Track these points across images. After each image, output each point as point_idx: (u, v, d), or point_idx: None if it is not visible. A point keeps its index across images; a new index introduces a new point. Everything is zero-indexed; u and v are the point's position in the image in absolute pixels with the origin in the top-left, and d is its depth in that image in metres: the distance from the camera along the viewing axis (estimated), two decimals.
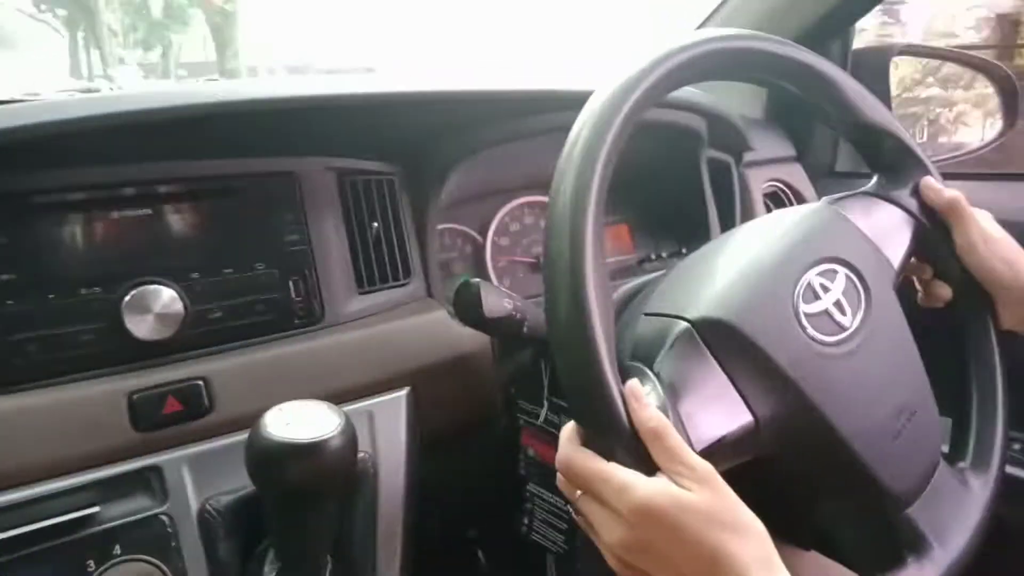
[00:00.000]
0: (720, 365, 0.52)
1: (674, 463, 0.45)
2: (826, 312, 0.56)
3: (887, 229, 0.63)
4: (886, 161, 0.66)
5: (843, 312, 0.57)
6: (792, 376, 0.52)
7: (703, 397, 0.51)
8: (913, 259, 0.65)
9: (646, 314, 0.58)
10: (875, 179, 0.67)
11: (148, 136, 0.64)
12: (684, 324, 0.54)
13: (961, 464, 0.61)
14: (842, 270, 0.58)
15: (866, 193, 0.65)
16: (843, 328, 0.56)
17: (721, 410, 0.51)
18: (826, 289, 0.57)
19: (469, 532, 1.00)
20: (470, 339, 0.77)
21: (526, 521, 0.80)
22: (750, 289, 0.55)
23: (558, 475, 0.50)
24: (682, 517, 0.43)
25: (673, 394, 0.50)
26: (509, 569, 0.97)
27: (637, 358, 0.53)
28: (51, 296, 0.61)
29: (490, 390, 0.79)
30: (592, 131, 0.49)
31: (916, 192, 0.65)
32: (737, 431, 0.50)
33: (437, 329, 0.77)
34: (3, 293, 0.60)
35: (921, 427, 0.56)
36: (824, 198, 0.66)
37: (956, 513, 0.57)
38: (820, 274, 0.57)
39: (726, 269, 0.58)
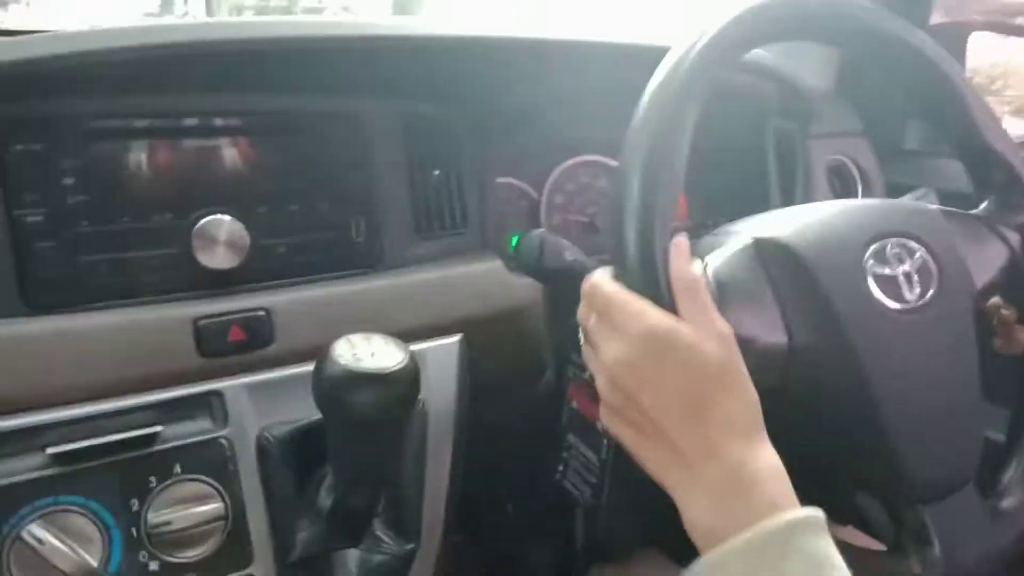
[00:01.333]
0: (771, 282, 0.52)
1: (698, 316, 0.45)
2: (894, 279, 0.55)
3: (980, 253, 0.60)
4: (996, 188, 0.63)
5: (911, 286, 0.55)
6: (840, 314, 0.51)
7: (745, 298, 0.51)
8: (997, 297, 0.62)
9: (711, 233, 0.59)
10: (983, 205, 0.63)
11: (215, 67, 0.65)
12: (747, 238, 0.54)
13: (997, 488, 0.60)
14: (922, 251, 0.56)
15: (968, 214, 0.63)
16: (906, 300, 0.54)
17: (759, 316, 0.51)
18: (900, 260, 0.55)
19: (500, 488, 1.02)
20: (523, 290, 0.77)
21: (561, 468, 0.81)
22: (823, 228, 0.55)
23: (581, 304, 0.50)
24: (686, 355, 0.43)
25: (717, 287, 0.51)
26: (537, 522, 0.98)
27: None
28: (124, 219, 0.63)
29: (540, 342, 0.79)
30: (667, 92, 0.49)
31: (1021, 231, 0.61)
32: (768, 343, 0.50)
33: (492, 279, 0.77)
34: (78, 214, 0.61)
35: (961, 432, 0.55)
36: (917, 193, 0.65)
37: (972, 532, 0.56)
38: (899, 245, 0.56)
39: (803, 210, 0.59)
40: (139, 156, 0.64)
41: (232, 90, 0.66)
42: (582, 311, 0.51)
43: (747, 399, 0.44)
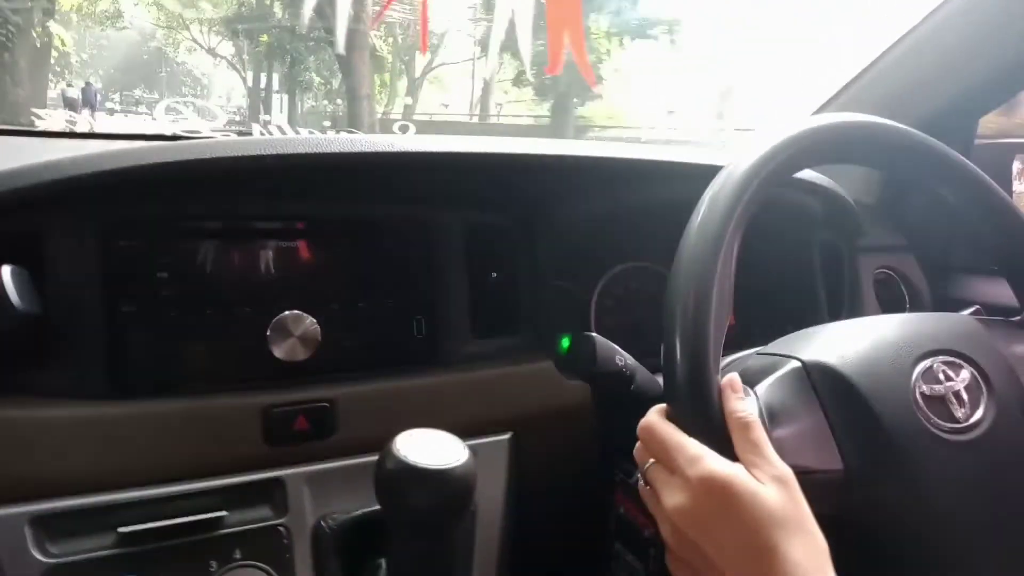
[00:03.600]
0: (823, 408, 0.53)
1: (755, 455, 0.45)
2: (943, 399, 0.55)
3: None
4: None
5: (962, 405, 0.55)
6: (892, 437, 0.51)
7: (798, 427, 0.51)
8: None
9: (759, 352, 0.60)
10: None
11: (298, 177, 0.71)
12: (795, 362, 0.55)
13: None
14: (969, 368, 0.57)
15: (1011, 321, 0.64)
16: (958, 420, 0.55)
17: (813, 446, 0.51)
18: (948, 378, 0.56)
19: None
20: (573, 392, 0.79)
21: None
22: (870, 349, 0.56)
23: (637, 445, 0.51)
24: (747, 502, 0.43)
25: (769, 416, 0.51)
26: None
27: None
28: (208, 312, 0.68)
29: (589, 444, 0.81)
30: (717, 211, 0.51)
31: None
32: (825, 472, 0.50)
33: (543, 380, 0.79)
34: (169, 305, 0.67)
35: None
36: (967, 311, 0.66)
37: None
38: (945, 363, 0.57)
39: (850, 329, 0.60)
40: (226, 255, 0.69)
41: (312, 197, 0.72)
42: (638, 453, 0.51)
43: (813, 543, 0.43)
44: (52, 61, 15.75)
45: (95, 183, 0.61)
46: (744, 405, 0.48)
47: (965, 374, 0.57)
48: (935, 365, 0.56)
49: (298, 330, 0.68)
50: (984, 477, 0.53)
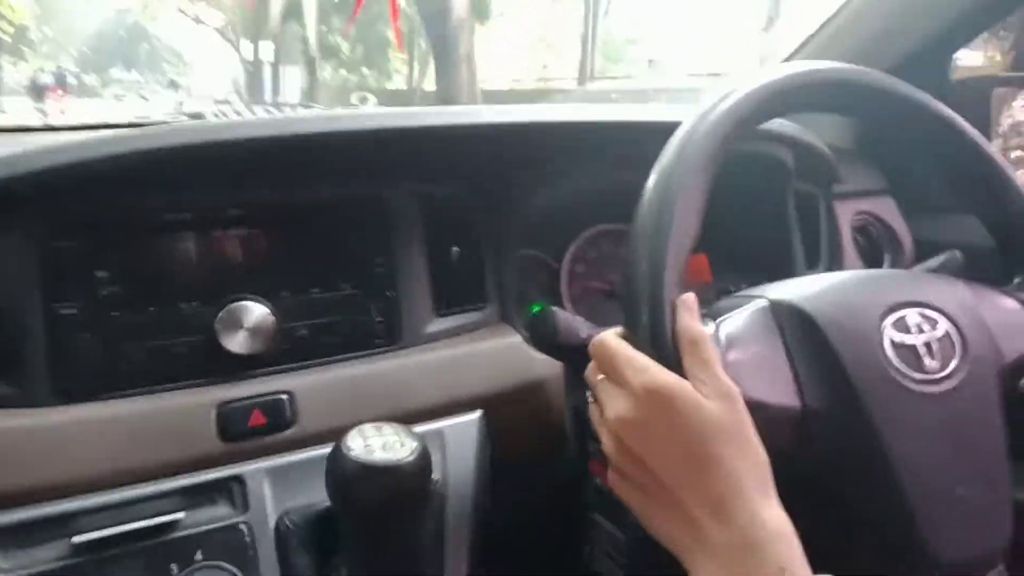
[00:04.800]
0: (784, 345, 0.52)
1: (703, 372, 0.45)
2: (913, 348, 0.53)
3: (1012, 328, 0.58)
4: None
5: (932, 357, 0.54)
6: (855, 381, 0.50)
7: (756, 360, 0.51)
8: None
9: (726, 295, 0.59)
10: (1016, 280, 0.62)
11: (241, 162, 0.68)
12: (761, 300, 0.55)
13: None
14: (946, 323, 0.55)
15: (997, 289, 0.62)
16: (927, 371, 0.53)
17: (771, 379, 0.50)
18: (921, 329, 0.54)
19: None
20: (543, 365, 0.77)
21: (588, 548, 0.79)
22: (841, 294, 0.55)
23: (589, 364, 0.51)
24: (691, 413, 0.43)
25: (727, 343, 0.51)
26: None
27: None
28: (152, 309, 0.65)
29: (561, 417, 0.79)
30: (678, 165, 0.49)
31: None
32: (780, 406, 0.50)
33: (511, 354, 0.77)
34: (110, 304, 0.64)
35: (991, 509, 0.52)
36: (943, 256, 0.64)
37: None
38: (921, 315, 0.55)
39: (825, 276, 0.59)
40: (167, 248, 0.66)
41: (256, 182, 0.69)
42: (589, 370, 0.51)
43: (754, 459, 0.44)
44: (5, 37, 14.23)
45: (29, 183, 0.58)
46: (696, 323, 0.47)
47: (941, 328, 0.55)
48: (909, 315, 0.55)
49: (249, 321, 0.66)
50: (945, 430, 0.52)
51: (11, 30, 14.14)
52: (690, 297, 0.48)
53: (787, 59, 1.13)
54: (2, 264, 0.60)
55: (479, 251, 0.81)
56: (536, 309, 0.75)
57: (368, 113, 0.71)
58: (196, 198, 0.67)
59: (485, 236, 0.81)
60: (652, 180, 0.50)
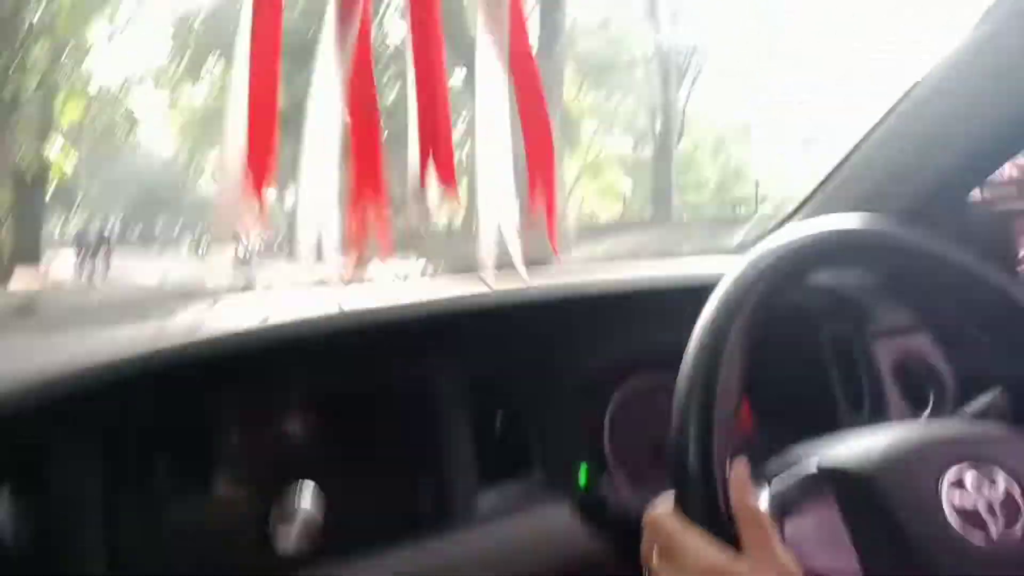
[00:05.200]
0: (841, 512, 0.50)
1: (762, 550, 0.43)
2: (975, 511, 0.52)
3: None
4: None
5: (995, 517, 0.52)
6: (919, 549, 0.49)
7: (813, 529, 0.49)
8: None
9: (775, 457, 0.58)
10: None
11: (297, 356, 0.71)
12: (812, 464, 0.53)
13: None
14: (1005, 479, 0.54)
15: None
16: (991, 534, 0.51)
17: (830, 549, 0.49)
18: (980, 489, 0.53)
19: None
20: (594, 541, 0.76)
21: None
22: (892, 455, 0.54)
23: (643, 539, 0.49)
24: None
25: (782, 512, 0.49)
26: None
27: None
28: (209, 495, 0.66)
29: None
30: (717, 331, 0.51)
31: None
32: None
33: (561, 531, 0.76)
34: (166, 490, 0.65)
35: None
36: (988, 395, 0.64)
37: None
38: (979, 473, 0.53)
39: (871, 434, 0.57)
40: (226, 437, 0.69)
41: (309, 371, 0.72)
42: (644, 546, 0.50)
43: None
44: (49, 196, 13.93)
45: (100, 396, 0.61)
46: (750, 497, 0.47)
47: (1000, 486, 0.54)
48: (967, 475, 0.53)
49: (301, 505, 0.67)
50: None
51: (55, 182, 13.88)
52: (742, 468, 0.48)
53: (804, 204, 1.17)
54: (66, 476, 0.62)
55: (523, 418, 0.82)
56: (583, 478, 0.75)
57: (420, 300, 0.75)
58: (251, 389, 0.70)
59: (528, 402, 0.83)
60: (694, 345, 0.52)
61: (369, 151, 0.33)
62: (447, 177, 0.34)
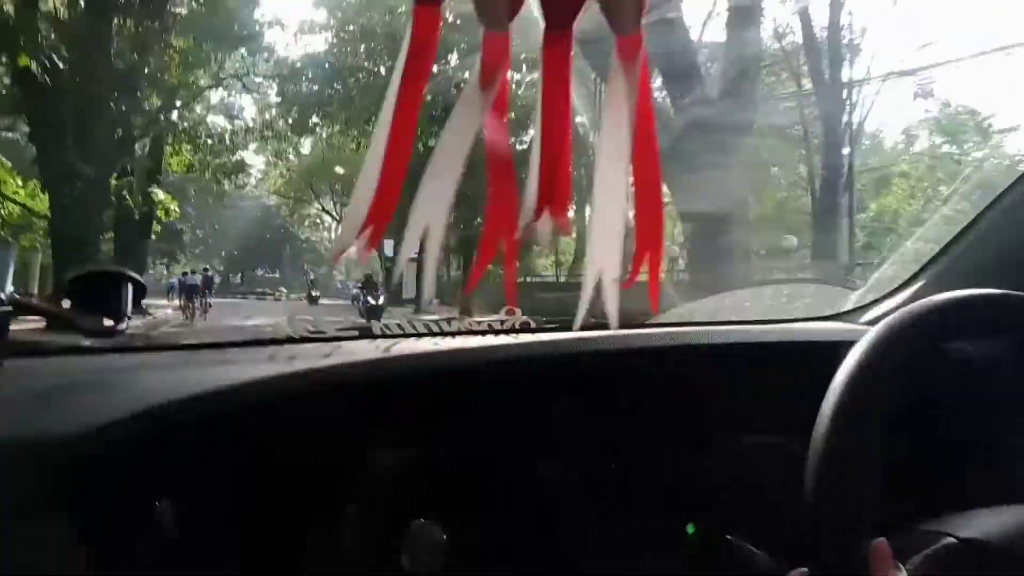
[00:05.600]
0: None
1: None
2: None
3: None
4: None
5: None
6: None
7: None
8: None
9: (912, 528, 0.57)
10: None
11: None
12: (951, 539, 0.52)
13: None
14: None
15: None
16: None
17: None
18: None
19: None
20: None
21: None
22: None
23: None
24: None
25: None
26: None
27: None
28: (339, 526, 0.70)
29: None
30: (860, 393, 0.51)
31: None
32: None
33: None
34: (305, 508, 0.69)
35: None
36: None
37: None
38: None
39: (1008, 509, 0.56)
40: (353, 468, 0.72)
41: (440, 408, 0.75)
42: None
43: None
44: (153, 236, 14.60)
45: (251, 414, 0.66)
46: (895, 571, 0.46)
47: None
48: None
49: (425, 538, 0.69)
50: None
51: (160, 226, 14.44)
52: (884, 546, 0.47)
53: (921, 271, 1.13)
54: (213, 487, 0.67)
55: (634, 466, 0.82)
56: (692, 534, 0.74)
57: (541, 340, 0.78)
58: (381, 424, 0.74)
59: (641, 451, 0.83)
60: (830, 414, 0.51)
61: (505, 194, 0.35)
62: (562, 224, 0.36)
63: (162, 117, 13.13)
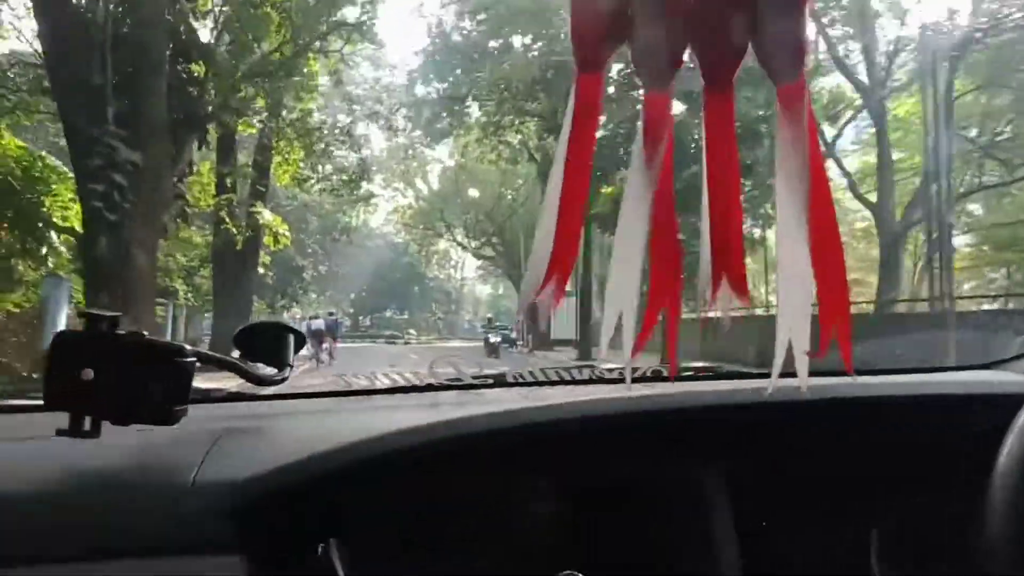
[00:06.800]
0: None
1: None
2: None
3: None
4: None
5: None
6: None
7: None
8: None
9: None
10: None
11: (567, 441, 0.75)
12: None
13: None
14: None
15: None
16: None
17: None
18: None
19: None
20: None
21: None
22: None
23: None
24: None
25: None
26: None
27: None
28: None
29: None
30: None
31: None
32: None
33: None
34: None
35: None
36: None
37: None
38: None
39: None
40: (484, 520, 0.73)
41: (574, 459, 0.75)
42: None
43: None
44: (262, 269, 12.15)
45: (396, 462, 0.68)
46: None
47: None
48: None
49: None
50: None
51: (268, 260, 12.27)
52: None
53: None
54: (367, 527, 0.69)
55: (782, 520, 0.78)
56: None
57: (700, 389, 0.76)
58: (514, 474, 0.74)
59: (784, 506, 0.79)
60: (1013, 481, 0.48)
61: (668, 260, 0.35)
62: (741, 291, 0.36)
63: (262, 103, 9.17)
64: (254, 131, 10.32)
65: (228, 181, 10.14)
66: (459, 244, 22.93)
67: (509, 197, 19.25)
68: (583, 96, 0.35)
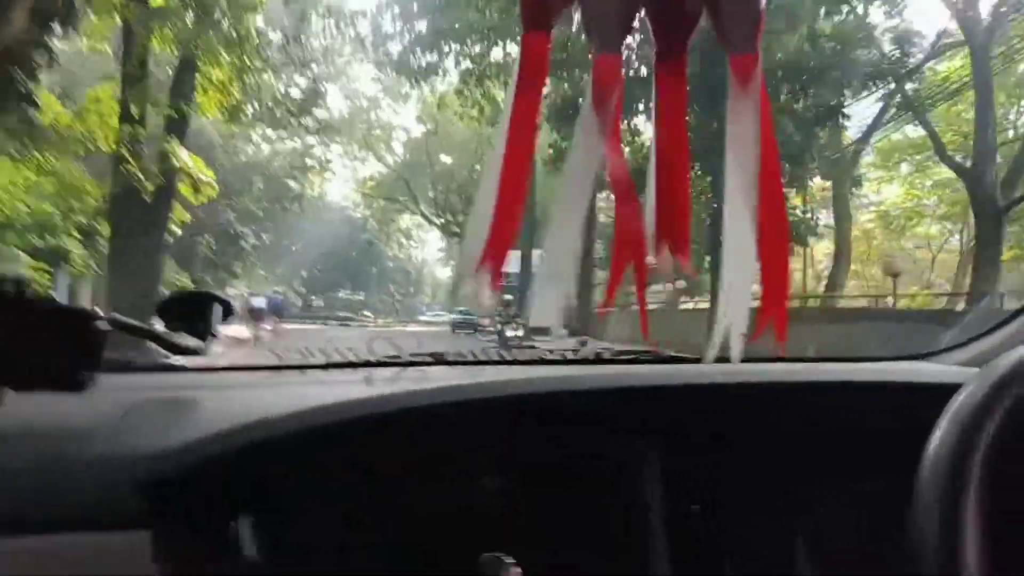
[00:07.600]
0: None
1: None
2: None
3: None
4: None
5: None
6: None
7: None
8: None
9: None
10: None
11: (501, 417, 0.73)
12: None
13: None
14: None
15: None
16: None
17: None
18: None
19: None
20: None
21: None
22: None
23: None
24: None
25: None
26: None
27: None
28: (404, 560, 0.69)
29: None
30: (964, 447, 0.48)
31: None
32: None
33: None
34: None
35: None
36: None
37: None
38: None
39: None
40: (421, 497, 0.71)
41: (516, 438, 0.74)
42: None
43: None
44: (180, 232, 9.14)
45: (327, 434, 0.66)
46: None
47: None
48: None
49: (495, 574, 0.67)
50: None
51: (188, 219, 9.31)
52: None
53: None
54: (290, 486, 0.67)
55: (717, 507, 0.78)
56: None
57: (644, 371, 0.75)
58: (453, 451, 0.73)
59: (724, 493, 0.79)
60: (931, 469, 0.48)
61: (630, 218, 0.34)
62: (684, 263, 0.35)
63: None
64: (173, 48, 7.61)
65: (132, 109, 7.37)
66: (426, 218, 21.34)
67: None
68: (529, 55, 0.33)
